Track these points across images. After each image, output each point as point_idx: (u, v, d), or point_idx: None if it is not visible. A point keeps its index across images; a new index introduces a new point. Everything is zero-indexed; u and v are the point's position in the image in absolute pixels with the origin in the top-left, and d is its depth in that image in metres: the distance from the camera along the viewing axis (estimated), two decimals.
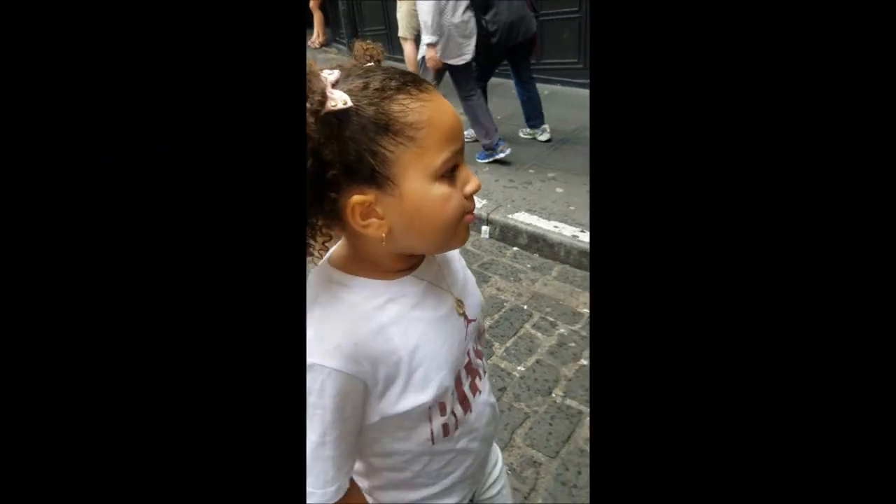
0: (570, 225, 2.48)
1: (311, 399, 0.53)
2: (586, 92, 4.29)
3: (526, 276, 2.34)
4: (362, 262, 0.58)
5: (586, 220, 2.51)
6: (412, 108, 0.51)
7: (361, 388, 0.56)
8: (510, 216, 2.59)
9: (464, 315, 0.64)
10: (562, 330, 1.99)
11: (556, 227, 2.48)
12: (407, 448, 0.62)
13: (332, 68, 0.54)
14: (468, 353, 0.66)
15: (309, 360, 0.53)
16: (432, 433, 0.61)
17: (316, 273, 0.60)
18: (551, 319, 2.05)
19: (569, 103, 4.06)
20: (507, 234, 2.58)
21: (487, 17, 2.95)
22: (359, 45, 0.57)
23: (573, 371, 1.80)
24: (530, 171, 3.13)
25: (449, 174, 0.53)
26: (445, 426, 0.62)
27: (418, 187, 0.52)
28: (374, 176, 0.51)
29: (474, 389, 0.67)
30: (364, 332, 0.55)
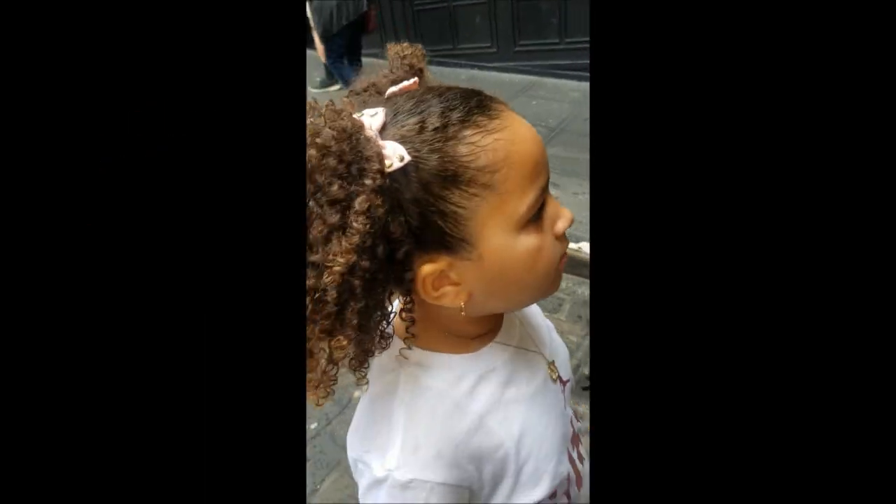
0: None
1: None
2: (501, 76, 4.34)
3: None
4: (437, 332, 0.48)
5: None
6: (484, 147, 0.40)
7: (467, 495, 0.47)
8: None
9: (559, 378, 0.55)
10: None
11: None
12: None
13: (367, 94, 0.43)
14: (570, 423, 0.57)
15: (403, 475, 0.43)
16: None
17: (382, 360, 0.48)
18: None
19: (484, 87, 4.05)
20: None
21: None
22: (394, 51, 0.47)
23: None
24: None
25: (535, 217, 0.42)
26: None
27: (501, 244, 0.41)
28: (445, 240, 0.41)
29: (581, 459, 0.58)
30: (462, 428, 0.46)
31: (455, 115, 0.40)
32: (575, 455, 0.57)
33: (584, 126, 3.32)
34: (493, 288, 0.44)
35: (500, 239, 0.41)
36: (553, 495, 0.51)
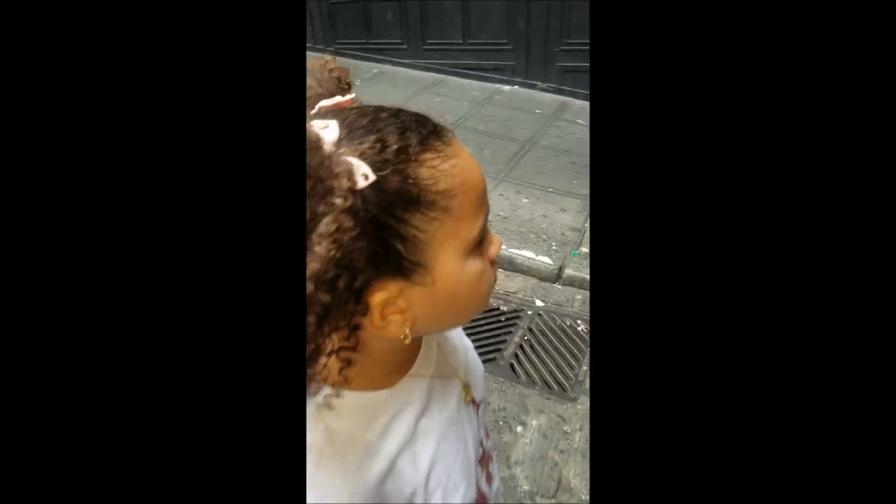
0: None
1: None
2: (409, 72, 4.49)
3: None
4: (355, 368, 0.43)
5: None
6: (443, 172, 0.39)
7: None
8: None
9: (472, 401, 0.54)
10: None
11: None
12: None
13: (317, 112, 0.42)
14: (481, 443, 0.56)
15: None
16: None
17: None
18: None
19: (392, 82, 4.18)
20: None
21: None
22: (320, 64, 0.45)
23: None
24: None
25: (479, 242, 0.42)
26: None
27: (454, 268, 0.40)
28: (402, 265, 0.39)
29: (489, 479, 0.58)
30: (374, 473, 0.44)
31: (414, 138, 0.39)
32: (483, 476, 0.56)
33: (479, 125, 3.54)
34: (438, 312, 0.42)
35: (452, 264, 0.40)
36: None
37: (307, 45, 4.78)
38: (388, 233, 0.37)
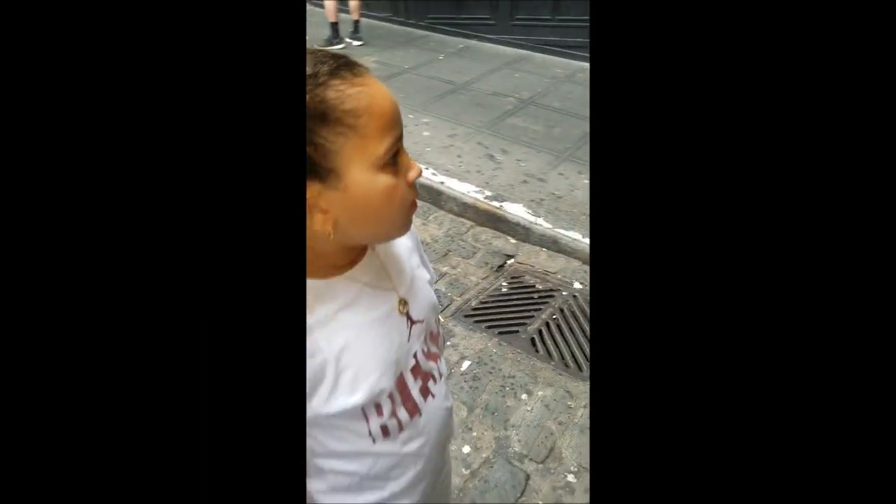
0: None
1: None
2: (495, 47, 4.49)
3: None
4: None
5: (438, 161, 2.78)
6: (349, 95, 0.47)
7: None
8: None
9: (407, 315, 0.62)
10: None
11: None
12: (347, 448, 0.61)
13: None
14: (415, 356, 0.63)
15: None
16: (371, 434, 0.60)
17: None
18: None
19: (475, 57, 4.23)
20: None
21: None
22: None
23: None
24: (410, 115, 3.32)
25: (391, 162, 0.51)
26: (385, 427, 0.61)
27: (363, 178, 0.49)
28: (316, 169, 0.48)
29: (426, 393, 0.65)
30: None
31: (324, 68, 0.47)
32: (417, 388, 0.63)
33: (554, 102, 3.50)
34: (355, 217, 0.51)
35: (362, 174, 0.49)
36: (380, 413, 0.60)
37: (400, 18, 4.97)
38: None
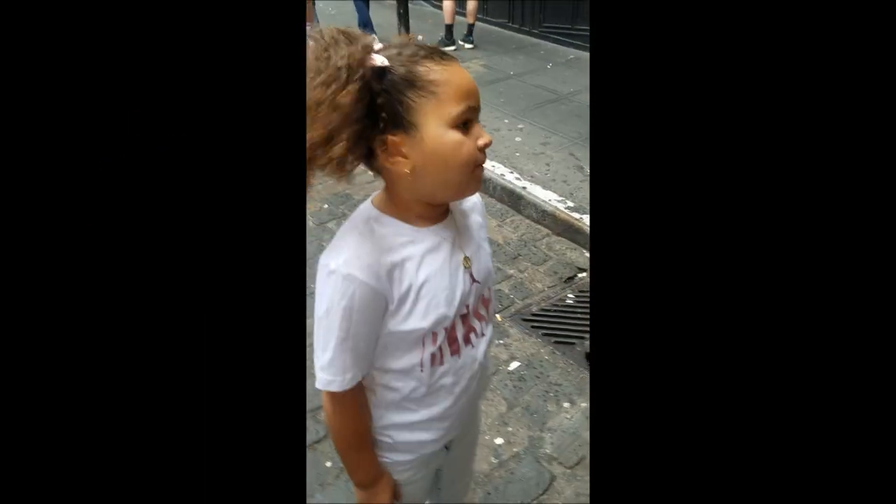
0: (506, 167, 2.80)
1: (344, 303, 0.66)
2: None
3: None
4: (396, 207, 0.72)
5: (525, 166, 2.85)
6: (434, 70, 0.64)
7: (383, 302, 0.69)
8: None
9: (470, 272, 0.76)
10: None
11: (493, 166, 2.84)
12: (401, 366, 0.74)
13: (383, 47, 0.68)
14: (467, 307, 0.76)
15: (346, 270, 0.66)
16: (422, 360, 0.74)
17: (359, 209, 0.74)
18: None
19: (581, 68, 4.21)
20: None
21: None
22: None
23: None
24: (505, 120, 3.39)
25: (463, 126, 0.64)
26: (433, 356, 0.74)
27: (436, 132, 0.63)
28: (401, 121, 0.63)
29: (466, 340, 0.78)
30: (390, 259, 0.69)
31: (421, 52, 0.65)
32: (461, 333, 0.77)
33: None
34: (427, 164, 0.65)
35: (436, 129, 0.63)
36: (434, 342, 0.73)
37: (515, 25, 5.05)
38: (393, 98, 0.64)
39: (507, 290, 2.15)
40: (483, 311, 0.81)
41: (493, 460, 1.49)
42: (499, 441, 1.55)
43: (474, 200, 0.83)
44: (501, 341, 1.89)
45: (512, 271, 2.27)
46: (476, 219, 0.81)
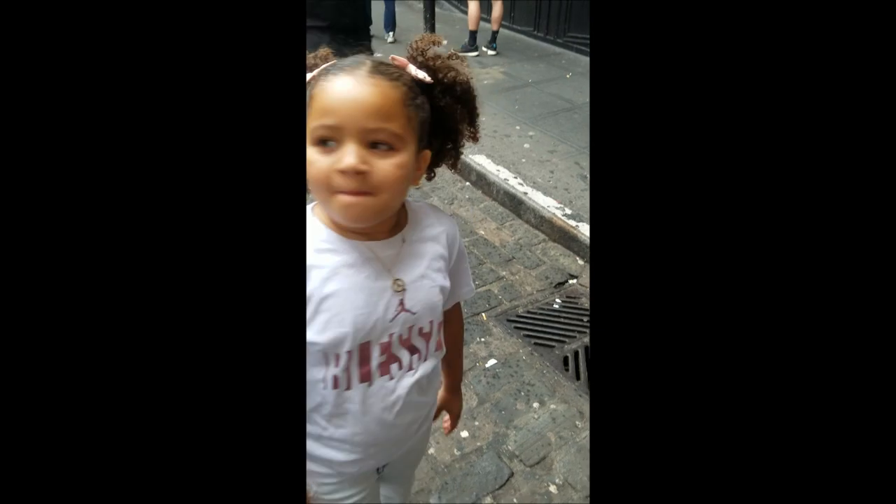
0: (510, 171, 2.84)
1: None
2: None
3: (459, 203, 2.79)
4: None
5: (529, 172, 2.87)
6: (322, 82, 0.61)
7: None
8: (470, 156, 2.96)
9: (401, 300, 0.69)
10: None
11: (497, 170, 2.86)
12: (309, 377, 0.68)
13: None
14: (390, 336, 0.69)
15: None
16: (325, 377, 0.68)
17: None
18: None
19: None
20: (462, 171, 2.99)
21: None
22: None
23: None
24: (517, 126, 3.42)
25: (322, 144, 0.60)
26: (336, 378, 0.68)
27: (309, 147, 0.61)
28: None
29: (384, 371, 0.71)
30: (308, 256, 0.65)
31: (338, 66, 0.64)
32: (377, 361, 0.70)
33: None
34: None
35: (309, 143, 0.61)
36: (336, 363, 0.68)
37: (540, 33, 5.08)
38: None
39: (496, 291, 2.19)
40: (419, 345, 0.74)
41: (456, 452, 1.53)
42: (464, 434, 1.58)
43: (446, 230, 0.76)
44: (483, 339, 1.93)
45: (504, 273, 2.31)
46: (436, 249, 0.75)
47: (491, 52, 4.72)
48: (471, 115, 0.73)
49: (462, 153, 0.76)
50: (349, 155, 0.58)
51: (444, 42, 0.71)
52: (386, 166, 0.60)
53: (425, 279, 0.73)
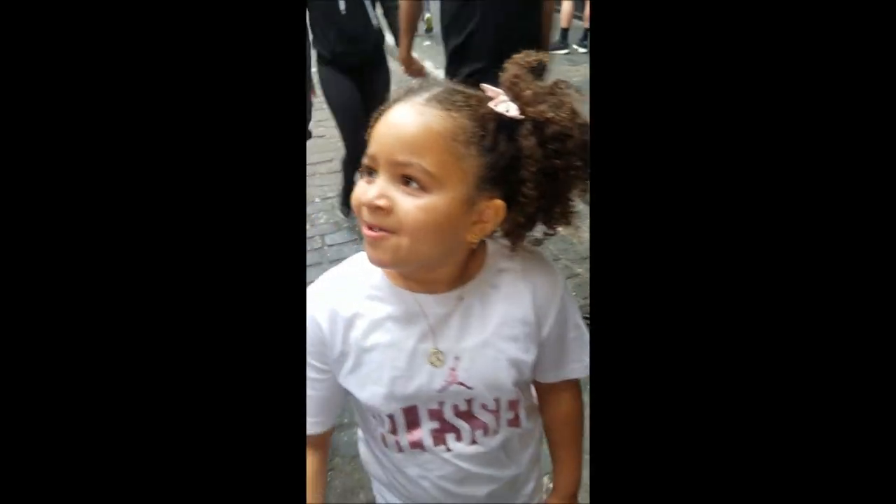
0: None
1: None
2: None
3: None
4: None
5: None
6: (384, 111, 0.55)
7: (325, 348, 0.60)
8: None
9: (451, 368, 0.60)
10: None
11: None
12: (366, 428, 0.67)
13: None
14: (440, 403, 0.62)
15: (308, 300, 0.59)
16: (379, 431, 0.64)
17: None
18: None
19: None
20: None
21: None
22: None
23: None
24: None
25: (368, 174, 0.54)
26: (384, 437, 0.64)
27: None
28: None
29: (439, 440, 0.63)
30: (343, 306, 0.60)
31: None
32: (429, 428, 0.62)
33: None
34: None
35: None
36: (381, 424, 0.62)
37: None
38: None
39: (570, 289, 2.13)
40: (485, 419, 0.63)
41: None
42: None
43: (534, 289, 0.62)
44: None
45: (580, 270, 2.24)
46: (512, 311, 0.61)
47: (582, 51, 4.60)
48: (570, 164, 0.55)
49: (572, 210, 0.62)
50: (373, 187, 0.53)
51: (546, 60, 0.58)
52: (408, 206, 0.51)
53: (488, 348, 0.61)
